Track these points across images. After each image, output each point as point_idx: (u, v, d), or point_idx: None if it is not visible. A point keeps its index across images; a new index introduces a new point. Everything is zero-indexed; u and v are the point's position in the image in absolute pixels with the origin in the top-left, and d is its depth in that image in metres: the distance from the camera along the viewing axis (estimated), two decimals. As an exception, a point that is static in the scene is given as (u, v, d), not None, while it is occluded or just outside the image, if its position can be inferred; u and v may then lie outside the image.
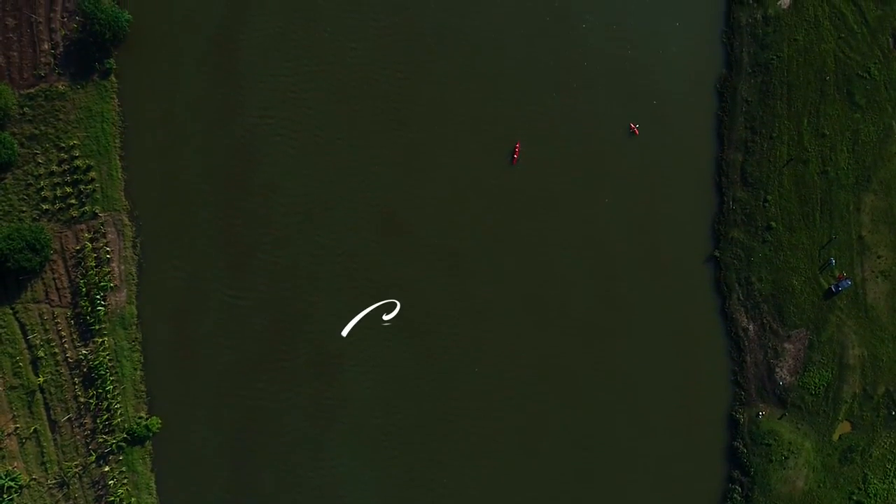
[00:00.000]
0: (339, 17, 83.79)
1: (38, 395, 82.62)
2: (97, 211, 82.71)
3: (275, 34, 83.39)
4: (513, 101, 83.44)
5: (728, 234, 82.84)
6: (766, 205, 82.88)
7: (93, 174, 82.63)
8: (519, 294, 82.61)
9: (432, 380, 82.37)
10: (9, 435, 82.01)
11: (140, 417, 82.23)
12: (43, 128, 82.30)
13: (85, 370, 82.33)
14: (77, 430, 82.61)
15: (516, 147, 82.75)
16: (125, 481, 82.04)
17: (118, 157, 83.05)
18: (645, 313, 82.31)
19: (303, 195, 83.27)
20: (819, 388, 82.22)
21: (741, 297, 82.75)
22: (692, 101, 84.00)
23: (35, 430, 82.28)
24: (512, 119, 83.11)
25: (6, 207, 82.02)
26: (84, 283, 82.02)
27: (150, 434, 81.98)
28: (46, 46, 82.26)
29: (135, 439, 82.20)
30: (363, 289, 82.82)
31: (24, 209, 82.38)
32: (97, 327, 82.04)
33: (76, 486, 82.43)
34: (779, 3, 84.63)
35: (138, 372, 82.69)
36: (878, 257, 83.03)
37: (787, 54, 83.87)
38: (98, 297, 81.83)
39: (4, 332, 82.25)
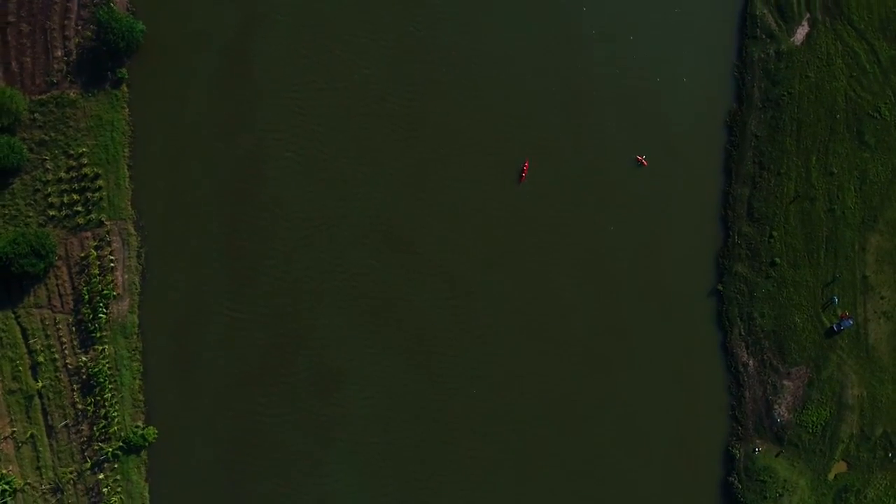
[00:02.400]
0: (350, 35, 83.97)
1: (37, 400, 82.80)
2: (103, 219, 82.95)
3: (286, 50, 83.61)
4: (521, 124, 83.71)
5: (732, 269, 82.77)
6: (772, 240, 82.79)
7: (100, 182, 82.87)
8: (520, 318, 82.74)
9: (431, 401, 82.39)
10: (5, 439, 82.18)
11: (137, 427, 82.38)
12: (53, 134, 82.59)
13: (84, 377, 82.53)
14: (73, 436, 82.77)
15: (525, 165, 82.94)
16: (119, 490, 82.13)
17: (126, 167, 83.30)
18: (646, 344, 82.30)
19: (308, 211, 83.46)
20: (817, 427, 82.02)
21: (742, 332, 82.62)
22: (701, 133, 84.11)
23: (32, 434, 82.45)
24: (519, 142, 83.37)
25: (13, 212, 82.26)
26: (87, 290, 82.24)
27: (147, 444, 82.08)
28: (60, 53, 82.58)
29: (131, 448, 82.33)
30: (365, 307, 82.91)
31: (31, 214, 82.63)
32: (98, 335, 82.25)
33: (70, 493, 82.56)
34: (792, 39, 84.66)
35: (137, 381, 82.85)
36: (882, 298, 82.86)
37: (799, 91, 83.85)
38: (100, 304, 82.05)
39: (5, 336, 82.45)
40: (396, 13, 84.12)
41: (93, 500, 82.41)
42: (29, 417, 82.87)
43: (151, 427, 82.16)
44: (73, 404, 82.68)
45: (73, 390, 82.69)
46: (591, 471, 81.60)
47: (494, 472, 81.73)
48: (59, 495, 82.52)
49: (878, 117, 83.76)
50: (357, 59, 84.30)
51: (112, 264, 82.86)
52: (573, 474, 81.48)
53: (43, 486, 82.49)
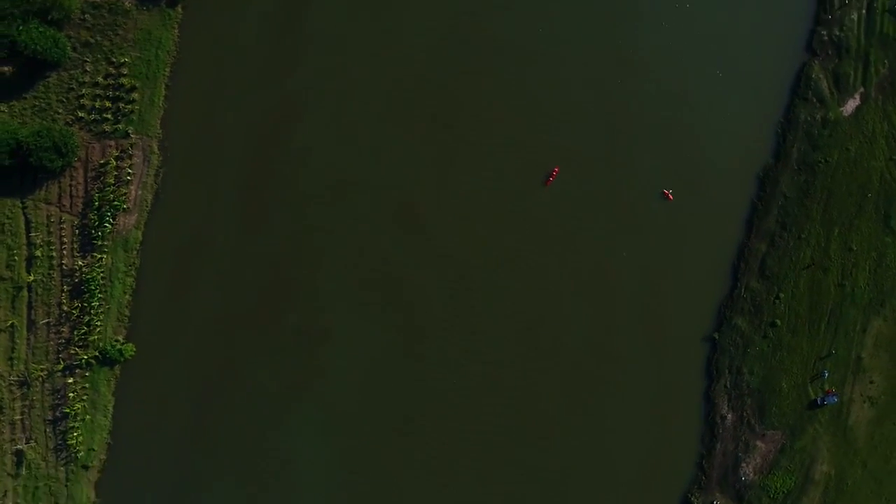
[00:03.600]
0: (408, 8, 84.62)
1: (25, 293, 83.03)
2: (130, 132, 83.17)
3: (344, 8, 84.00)
4: (558, 131, 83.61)
5: (732, 320, 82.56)
6: (777, 301, 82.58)
7: (135, 95, 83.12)
8: (514, 320, 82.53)
9: (409, 379, 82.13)
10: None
11: (117, 340, 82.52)
12: (99, 38, 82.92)
13: (76, 281, 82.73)
14: (53, 335, 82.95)
15: (554, 171, 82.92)
16: (85, 397, 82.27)
17: (164, 86, 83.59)
18: (632, 372, 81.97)
19: (331, 170, 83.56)
20: (779, 494, 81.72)
21: (728, 385, 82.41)
22: (732, 181, 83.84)
23: (12, 324, 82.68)
24: (552, 148, 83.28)
25: (43, 105, 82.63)
26: (99, 197, 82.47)
27: (122, 359, 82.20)
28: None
29: (105, 360, 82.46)
30: (364, 276, 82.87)
31: (60, 111, 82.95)
32: (99, 243, 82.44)
33: (37, 389, 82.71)
34: (841, 109, 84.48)
35: (127, 296, 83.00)
36: (871, 382, 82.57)
37: (836, 161, 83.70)
38: (108, 214, 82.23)
39: (8, 224, 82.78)
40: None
41: (57, 401, 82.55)
42: (13, 307, 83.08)
43: (130, 344, 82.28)
44: (60, 304, 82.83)
45: (62, 291, 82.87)
46: (549, 480, 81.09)
47: (459, 465, 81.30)
48: (25, 389, 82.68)
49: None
50: (411, 33, 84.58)
51: (129, 177, 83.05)
52: (531, 479, 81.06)
53: (11, 377, 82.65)
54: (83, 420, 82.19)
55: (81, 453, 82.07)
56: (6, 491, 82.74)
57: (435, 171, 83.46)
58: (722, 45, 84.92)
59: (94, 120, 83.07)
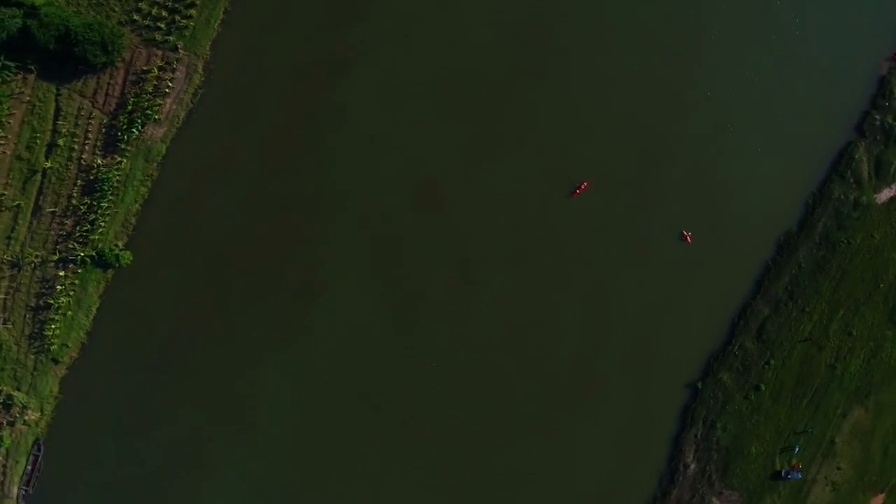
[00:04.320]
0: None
1: (38, 178, 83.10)
2: (179, 46, 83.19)
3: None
4: (595, 147, 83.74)
5: (718, 373, 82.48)
6: (766, 366, 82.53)
7: (193, 12, 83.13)
8: (507, 321, 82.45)
9: (391, 351, 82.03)
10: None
11: (116, 245, 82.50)
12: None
13: (91, 178, 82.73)
14: (55, 226, 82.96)
15: (584, 185, 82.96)
16: (72, 293, 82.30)
17: (223, 10, 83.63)
18: (609, 400, 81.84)
19: (364, 132, 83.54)
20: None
21: (698, 436, 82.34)
22: (752, 239, 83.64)
23: (18, 205, 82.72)
24: (586, 162, 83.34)
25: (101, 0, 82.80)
26: (133, 102, 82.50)
27: (117, 265, 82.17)
28: None
29: (101, 262, 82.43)
30: (370, 243, 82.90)
31: (116, 10, 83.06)
32: (123, 147, 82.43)
33: (26, 274, 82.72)
34: (875, 196, 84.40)
35: (137, 205, 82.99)
36: (838, 468, 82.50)
37: (858, 244, 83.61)
38: (138, 121, 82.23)
39: (39, 107, 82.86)
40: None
41: (43, 290, 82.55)
42: (24, 189, 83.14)
43: (129, 252, 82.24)
44: (69, 197, 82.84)
45: (75, 184, 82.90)
46: (503, 479, 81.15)
47: (426, 450, 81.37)
48: (14, 271, 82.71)
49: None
50: (476, 21, 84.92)
51: (167, 90, 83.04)
52: (486, 474, 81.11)
53: (4, 256, 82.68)
54: (64, 315, 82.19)
55: (55, 347, 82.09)
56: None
57: (465, 157, 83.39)
58: (774, 106, 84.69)
59: (147, 26, 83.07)
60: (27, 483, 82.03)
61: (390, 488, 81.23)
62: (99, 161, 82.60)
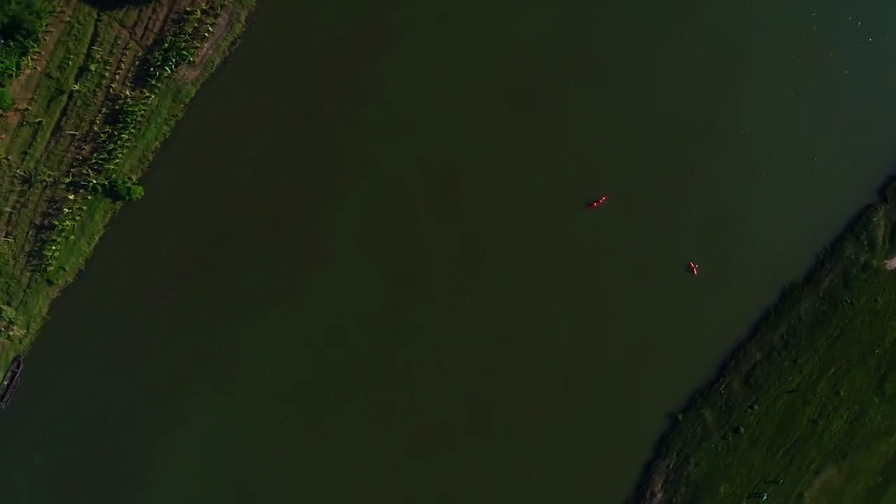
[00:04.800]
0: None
1: (64, 99, 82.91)
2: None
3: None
4: (619, 163, 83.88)
5: (700, 409, 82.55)
6: (749, 411, 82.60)
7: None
8: (501, 323, 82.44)
9: (384, 338, 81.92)
10: (18, 111, 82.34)
11: (129, 178, 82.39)
12: None
13: (116, 108, 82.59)
14: (73, 148, 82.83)
15: (602, 199, 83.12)
16: (78, 218, 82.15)
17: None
18: (586, 414, 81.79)
19: (396, 111, 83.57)
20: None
21: (670, 467, 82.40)
22: (757, 282, 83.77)
23: (40, 122, 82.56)
24: (609, 176, 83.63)
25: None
26: (171, 40, 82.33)
27: (127, 198, 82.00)
28: None
29: (111, 192, 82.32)
30: (382, 217, 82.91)
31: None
32: (153, 83, 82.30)
33: (36, 191, 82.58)
34: (886, 261, 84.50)
35: (157, 143, 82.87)
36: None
37: (861, 306, 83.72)
38: (173, 59, 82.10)
39: (77, 29, 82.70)
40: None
41: (50, 210, 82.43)
42: (48, 107, 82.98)
43: (141, 188, 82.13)
44: (92, 123, 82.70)
45: (99, 111, 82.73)
46: (467, 474, 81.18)
47: (386, 427, 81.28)
48: (25, 186, 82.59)
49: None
50: (526, 21, 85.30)
51: (206, 34, 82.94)
52: (453, 475, 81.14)
53: (17, 171, 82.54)
54: (66, 238, 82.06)
55: (52, 268, 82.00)
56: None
57: (490, 150, 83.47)
58: (802, 154, 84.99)
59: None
60: (1, 397, 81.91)
61: (357, 461, 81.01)
62: (127, 93, 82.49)
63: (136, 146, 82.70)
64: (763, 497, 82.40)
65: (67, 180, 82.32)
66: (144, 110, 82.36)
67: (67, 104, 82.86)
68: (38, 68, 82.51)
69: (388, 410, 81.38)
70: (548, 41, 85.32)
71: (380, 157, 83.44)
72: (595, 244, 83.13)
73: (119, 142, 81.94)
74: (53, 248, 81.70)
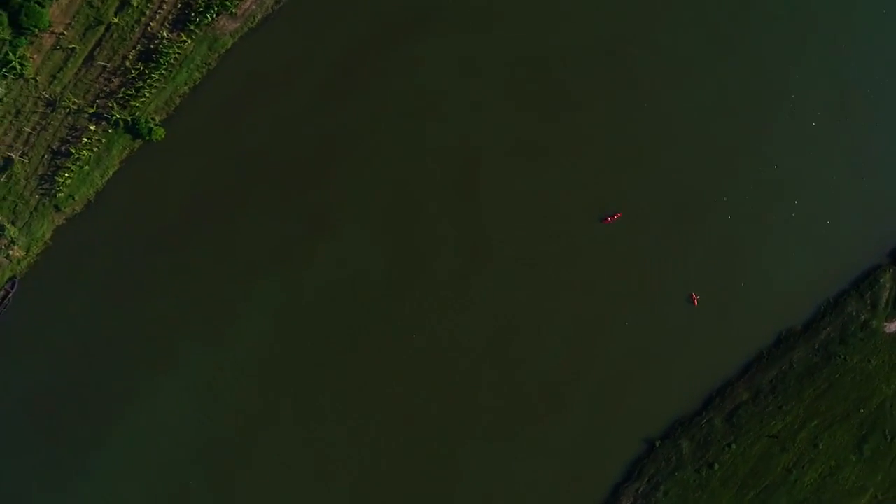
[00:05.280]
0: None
1: (101, 29, 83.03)
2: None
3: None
4: (641, 183, 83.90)
5: (679, 439, 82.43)
6: (727, 449, 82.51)
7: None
8: (495, 323, 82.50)
9: (378, 318, 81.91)
10: (53, 34, 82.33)
11: (153, 119, 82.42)
12: None
13: (151, 47, 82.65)
14: (102, 80, 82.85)
15: (616, 215, 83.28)
16: (95, 150, 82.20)
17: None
18: (564, 425, 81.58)
19: (427, 95, 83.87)
20: None
21: (639, 491, 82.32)
22: (756, 323, 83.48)
23: (74, 49, 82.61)
24: (627, 194, 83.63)
25: None
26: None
27: (147, 138, 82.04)
28: None
29: (132, 129, 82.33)
30: (398, 201, 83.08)
31: None
32: (192, 28, 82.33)
33: (59, 116, 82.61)
34: (886, 324, 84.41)
35: (186, 88, 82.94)
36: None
37: (853, 364, 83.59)
38: (215, 8, 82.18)
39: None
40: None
41: (70, 137, 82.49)
42: (84, 35, 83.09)
43: (163, 129, 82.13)
44: (125, 57, 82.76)
45: (134, 48, 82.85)
46: (436, 467, 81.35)
47: (366, 404, 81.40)
48: (48, 110, 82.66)
49: (887, 441, 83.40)
50: (568, 31, 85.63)
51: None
52: (424, 469, 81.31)
53: (44, 93, 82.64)
54: (81, 168, 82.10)
55: (61, 195, 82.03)
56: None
57: (516, 151, 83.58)
58: (821, 203, 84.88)
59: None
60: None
61: (337, 430, 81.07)
62: (164, 34, 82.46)
63: (164, 88, 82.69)
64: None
65: (91, 110, 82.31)
66: (179, 54, 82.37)
67: (104, 35, 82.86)
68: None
69: (371, 389, 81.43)
70: (590, 53, 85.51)
71: (403, 138, 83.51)
72: (601, 259, 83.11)
73: (148, 81, 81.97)
74: (66, 175, 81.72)
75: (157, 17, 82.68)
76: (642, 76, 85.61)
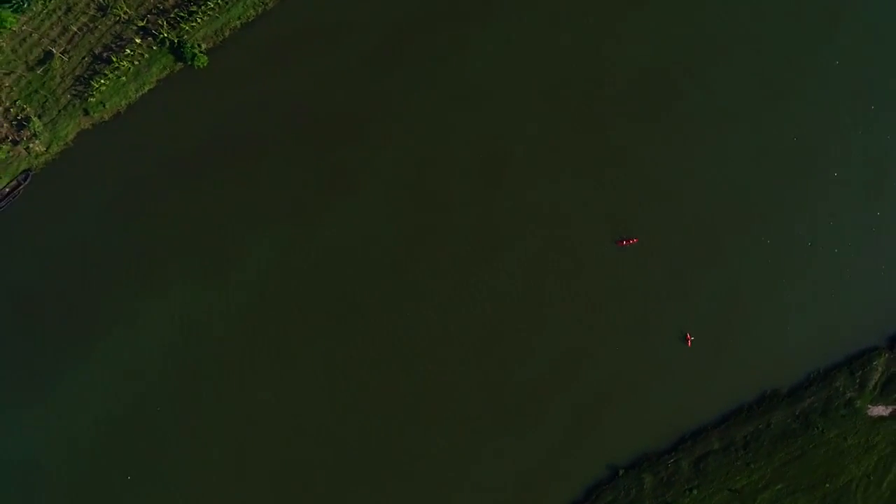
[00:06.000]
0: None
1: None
2: None
3: None
4: (663, 217, 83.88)
5: (642, 472, 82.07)
6: (687, 493, 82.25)
7: None
8: (488, 323, 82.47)
9: (375, 290, 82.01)
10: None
11: (199, 45, 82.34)
12: None
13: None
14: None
15: (633, 240, 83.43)
16: (136, 63, 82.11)
17: None
18: (531, 440, 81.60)
19: (464, 87, 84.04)
20: None
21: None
22: (741, 379, 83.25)
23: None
24: (647, 224, 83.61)
25: None
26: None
27: (189, 63, 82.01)
28: None
29: (177, 52, 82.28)
30: (417, 180, 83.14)
31: None
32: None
33: (107, 22, 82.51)
34: (869, 408, 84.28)
35: (238, 22, 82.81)
36: None
37: (829, 438, 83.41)
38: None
39: None
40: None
41: (114, 45, 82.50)
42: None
43: (206, 58, 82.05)
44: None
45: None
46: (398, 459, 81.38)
47: (350, 377, 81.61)
48: (98, 14, 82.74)
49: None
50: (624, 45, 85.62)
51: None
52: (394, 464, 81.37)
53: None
54: (118, 78, 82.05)
55: (93, 100, 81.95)
56: (13, 72, 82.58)
57: (548, 156, 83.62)
58: (832, 274, 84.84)
59: None
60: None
61: (319, 383, 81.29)
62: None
63: (217, 18, 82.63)
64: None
65: (140, 24, 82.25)
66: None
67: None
68: None
69: (351, 355, 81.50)
70: (643, 77, 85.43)
71: (438, 120, 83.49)
72: (607, 280, 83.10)
73: (203, 7, 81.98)
74: (102, 81, 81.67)
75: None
76: (690, 111, 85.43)
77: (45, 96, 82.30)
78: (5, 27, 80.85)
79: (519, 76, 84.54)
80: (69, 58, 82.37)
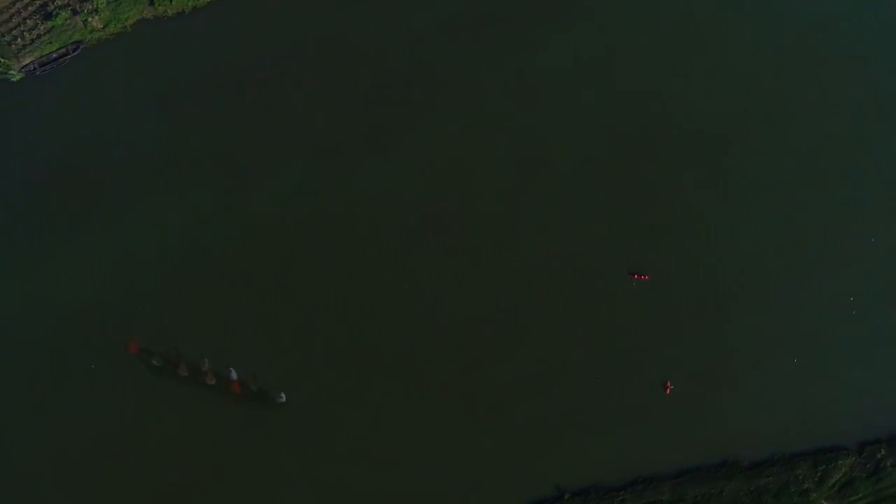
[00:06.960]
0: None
1: None
2: None
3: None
4: (680, 261, 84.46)
5: (588, 502, 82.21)
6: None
7: None
8: (481, 322, 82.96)
9: (387, 255, 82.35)
10: None
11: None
12: None
13: None
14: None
15: (645, 276, 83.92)
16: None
17: None
18: (489, 442, 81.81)
19: (531, 77, 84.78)
20: None
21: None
22: (709, 440, 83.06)
23: None
24: (660, 261, 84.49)
25: None
26: None
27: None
28: None
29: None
30: (449, 169, 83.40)
31: None
32: None
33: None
34: (823, 502, 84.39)
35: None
36: None
37: None
38: None
39: None
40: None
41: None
42: None
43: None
44: None
45: None
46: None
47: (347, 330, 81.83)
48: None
49: None
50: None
51: None
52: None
53: None
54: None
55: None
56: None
57: (580, 175, 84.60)
58: (825, 367, 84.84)
59: None
60: (42, 64, 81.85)
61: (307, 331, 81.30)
62: None
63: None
64: None
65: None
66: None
67: None
68: None
69: (341, 306, 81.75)
70: (689, 122, 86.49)
71: (492, 101, 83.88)
72: (607, 307, 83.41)
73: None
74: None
75: None
76: (729, 160, 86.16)
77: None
78: None
79: (580, 91, 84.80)
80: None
